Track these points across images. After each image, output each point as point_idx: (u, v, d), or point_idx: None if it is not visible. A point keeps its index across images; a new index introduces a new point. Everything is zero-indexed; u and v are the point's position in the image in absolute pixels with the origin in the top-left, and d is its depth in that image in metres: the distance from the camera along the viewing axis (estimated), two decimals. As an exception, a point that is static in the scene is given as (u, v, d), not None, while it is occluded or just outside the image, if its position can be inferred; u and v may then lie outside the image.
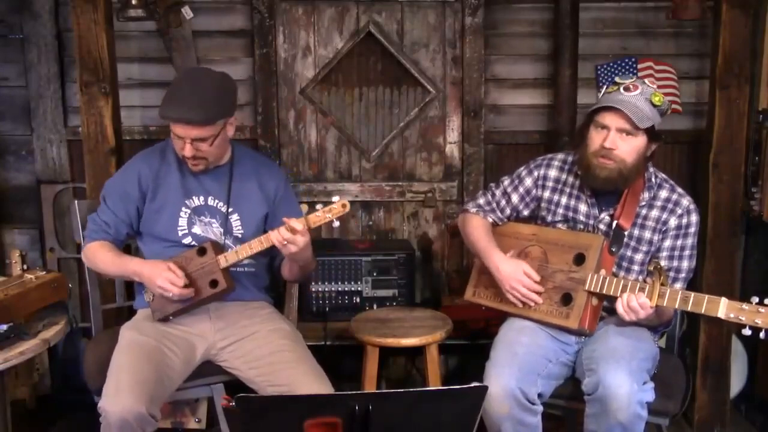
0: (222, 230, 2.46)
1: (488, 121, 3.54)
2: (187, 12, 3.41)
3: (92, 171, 2.97)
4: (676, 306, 2.10)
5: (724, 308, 2.00)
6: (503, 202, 2.55)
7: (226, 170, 2.48)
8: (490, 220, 2.56)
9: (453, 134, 3.57)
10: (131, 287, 2.74)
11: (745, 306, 1.98)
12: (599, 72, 3.46)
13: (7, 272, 2.62)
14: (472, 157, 3.53)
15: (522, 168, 2.56)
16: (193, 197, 2.46)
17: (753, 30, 3.03)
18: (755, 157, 3.14)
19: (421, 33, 3.49)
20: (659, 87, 3.41)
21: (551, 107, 3.49)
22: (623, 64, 3.45)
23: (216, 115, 2.30)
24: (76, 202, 2.72)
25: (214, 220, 2.46)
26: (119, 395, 2.09)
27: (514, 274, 2.37)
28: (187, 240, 2.45)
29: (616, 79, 2.34)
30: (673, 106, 3.48)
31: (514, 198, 2.53)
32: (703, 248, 3.04)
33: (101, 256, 2.43)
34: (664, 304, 2.11)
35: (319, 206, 2.25)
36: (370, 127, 3.58)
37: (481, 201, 2.59)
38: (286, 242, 2.22)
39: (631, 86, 2.27)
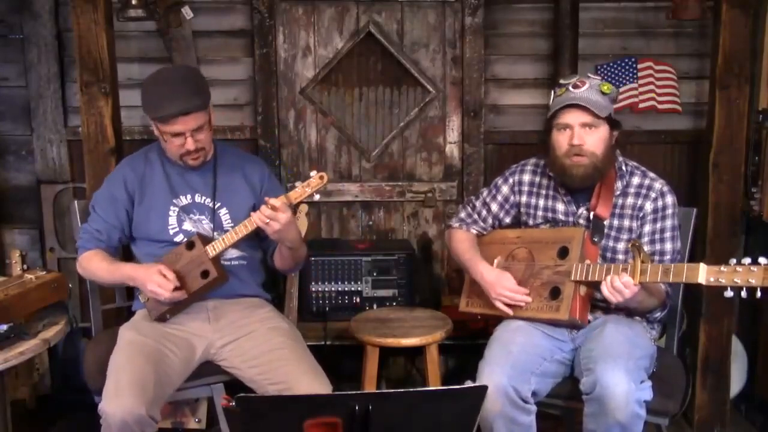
0: (212, 225, 2.47)
1: (488, 121, 3.54)
2: (187, 12, 3.41)
3: (92, 171, 2.96)
4: (658, 279, 2.13)
5: (703, 273, 2.03)
6: (484, 212, 2.59)
7: (210, 166, 2.51)
8: (474, 231, 2.60)
9: (453, 134, 3.57)
10: (131, 288, 2.74)
11: (723, 268, 2.01)
12: (599, 72, 3.46)
13: (7, 272, 2.63)
14: (472, 157, 3.54)
15: (498, 177, 2.61)
16: (181, 196, 2.49)
17: (753, 30, 3.03)
18: (755, 157, 3.14)
19: (421, 33, 3.49)
20: (659, 87, 3.46)
21: (551, 107, 3.49)
22: (623, 64, 3.46)
23: (206, 99, 2.38)
24: (76, 202, 2.72)
25: (203, 217, 2.48)
26: (119, 397, 2.09)
27: (499, 280, 2.40)
28: (179, 238, 2.46)
29: (561, 80, 2.40)
30: (673, 106, 3.49)
31: (494, 207, 2.57)
32: (703, 248, 3.04)
33: (95, 265, 2.44)
34: (647, 280, 2.14)
35: (298, 183, 2.29)
36: (370, 127, 3.58)
37: (463, 215, 2.63)
38: (268, 220, 2.24)
39: (578, 83, 2.33)
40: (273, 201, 2.24)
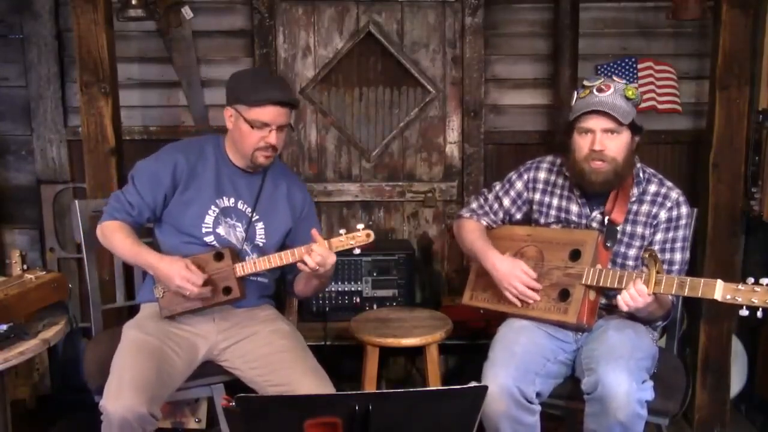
0: (244, 236, 2.45)
1: (488, 121, 3.54)
2: (187, 12, 3.41)
3: (92, 171, 2.97)
4: (673, 292, 2.11)
5: (720, 290, 2.00)
6: (496, 206, 2.58)
7: (260, 176, 2.48)
8: (484, 223, 2.59)
9: (453, 134, 3.57)
10: (132, 287, 2.74)
11: (740, 287, 1.98)
12: (599, 72, 3.46)
13: (7, 272, 2.62)
14: (472, 157, 3.53)
15: (512, 172, 2.59)
16: (224, 197, 2.45)
17: (753, 30, 3.03)
18: (755, 157, 3.14)
19: (421, 33, 3.49)
20: (659, 87, 3.45)
21: (551, 107, 3.50)
22: (623, 64, 3.46)
23: (298, 104, 2.43)
24: (76, 202, 2.71)
25: (239, 224, 2.45)
26: (121, 395, 2.08)
27: (512, 270, 2.38)
28: (209, 239, 2.42)
29: (585, 82, 2.36)
30: (673, 106, 3.49)
31: (506, 202, 2.56)
32: (703, 248, 3.04)
33: (119, 239, 2.37)
34: (662, 291, 2.12)
35: (342, 231, 2.27)
36: (370, 127, 3.58)
37: (474, 205, 2.62)
38: (318, 267, 2.24)
39: (603, 86, 2.29)
40: (317, 249, 2.23)
